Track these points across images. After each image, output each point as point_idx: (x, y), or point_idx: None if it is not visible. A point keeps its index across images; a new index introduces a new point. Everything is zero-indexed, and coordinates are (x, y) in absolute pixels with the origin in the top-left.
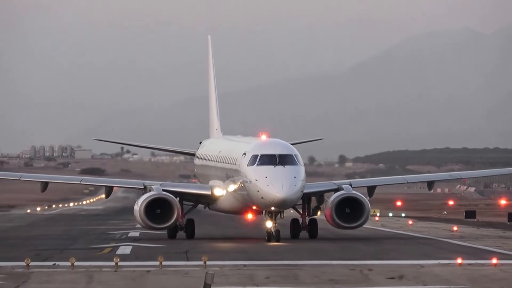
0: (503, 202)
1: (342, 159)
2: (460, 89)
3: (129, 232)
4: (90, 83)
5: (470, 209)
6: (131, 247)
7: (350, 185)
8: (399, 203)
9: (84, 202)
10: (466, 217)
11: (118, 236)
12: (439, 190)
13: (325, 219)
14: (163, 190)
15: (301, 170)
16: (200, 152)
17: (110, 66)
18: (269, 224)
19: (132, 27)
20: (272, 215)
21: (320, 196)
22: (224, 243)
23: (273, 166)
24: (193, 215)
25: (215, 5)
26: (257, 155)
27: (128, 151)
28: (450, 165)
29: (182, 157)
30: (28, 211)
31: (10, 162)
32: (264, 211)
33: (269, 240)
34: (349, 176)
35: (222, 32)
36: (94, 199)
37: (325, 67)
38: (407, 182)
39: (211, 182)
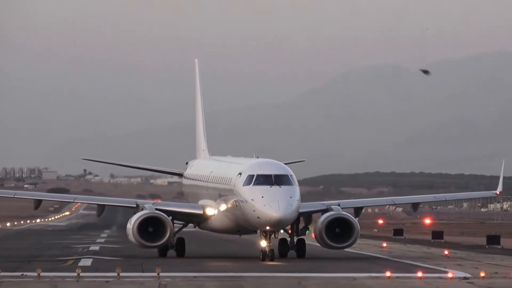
0: (427, 221)
1: None
2: (390, 119)
3: (90, 246)
4: (73, 105)
5: (398, 227)
6: (91, 259)
7: (339, 205)
8: None
9: (50, 219)
10: (394, 234)
11: (80, 249)
12: (369, 210)
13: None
14: (155, 209)
15: (296, 190)
16: (188, 172)
17: (87, 90)
18: (263, 243)
19: (116, 49)
20: (266, 235)
21: (308, 216)
22: (177, 258)
23: (269, 186)
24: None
25: (201, 30)
26: (253, 175)
27: (90, 173)
28: (380, 187)
29: (139, 179)
30: None
31: None
32: (259, 231)
33: (263, 259)
34: None
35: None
36: (59, 216)
37: (274, 96)
38: (394, 204)
39: (202, 202)
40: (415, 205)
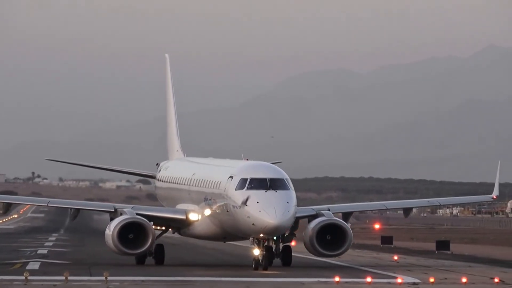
0: (376, 226)
1: None
2: (340, 125)
3: (38, 250)
4: (22, 108)
5: None
6: (39, 263)
7: (329, 210)
8: None
9: None
10: None
11: (28, 253)
12: None
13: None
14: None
15: (293, 195)
16: (163, 174)
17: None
18: (256, 251)
19: (87, 44)
20: (260, 242)
21: (295, 222)
22: (124, 262)
23: (264, 191)
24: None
25: (169, 27)
26: (246, 179)
27: (38, 176)
28: (329, 192)
29: (87, 182)
30: None
31: None
32: (251, 238)
33: (256, 268)
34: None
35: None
36: (7, 219)
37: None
38: (386, 208)
39: (180, 206)
40: (406, 210)
